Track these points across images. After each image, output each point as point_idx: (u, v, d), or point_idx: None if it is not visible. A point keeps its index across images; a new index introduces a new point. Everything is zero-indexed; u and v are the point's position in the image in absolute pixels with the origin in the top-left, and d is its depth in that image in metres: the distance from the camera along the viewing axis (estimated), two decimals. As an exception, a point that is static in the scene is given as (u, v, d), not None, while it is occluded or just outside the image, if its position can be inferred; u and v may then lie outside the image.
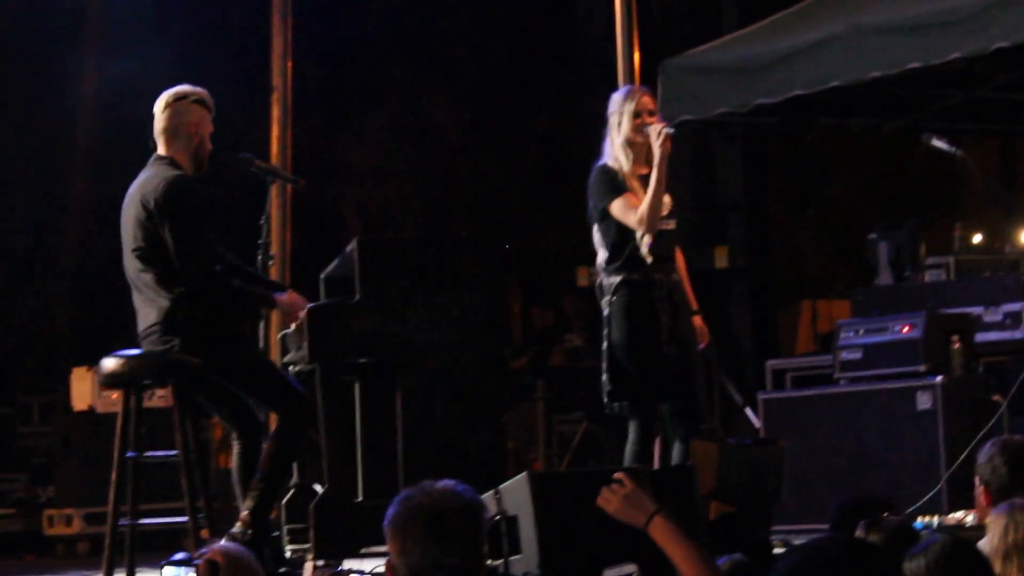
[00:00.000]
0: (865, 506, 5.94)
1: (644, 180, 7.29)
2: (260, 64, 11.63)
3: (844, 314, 11.08)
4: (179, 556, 6.52)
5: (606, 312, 7.34)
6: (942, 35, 8.52)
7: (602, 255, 7.39)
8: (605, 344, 7.33)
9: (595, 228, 7.42)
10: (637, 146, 7.33)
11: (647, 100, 7.42)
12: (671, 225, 7.36)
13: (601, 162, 7.40)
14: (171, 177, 6.92)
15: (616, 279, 7.30)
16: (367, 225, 19.15)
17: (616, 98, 7.45)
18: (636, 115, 7.33)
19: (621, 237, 7.29)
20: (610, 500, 4.39)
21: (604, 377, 7.32)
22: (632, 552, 6.02)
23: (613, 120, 7.39)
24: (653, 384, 7.26)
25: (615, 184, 7.30)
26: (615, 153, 7.36)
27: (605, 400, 7.33)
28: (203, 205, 6.99)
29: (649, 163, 7.29)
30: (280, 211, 10.24)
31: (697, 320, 7.52)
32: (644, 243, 7.27)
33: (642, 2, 10.34)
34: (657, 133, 7.22)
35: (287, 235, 10.51)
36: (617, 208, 7.26)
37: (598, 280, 7.46)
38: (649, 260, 7.29)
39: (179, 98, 7.08)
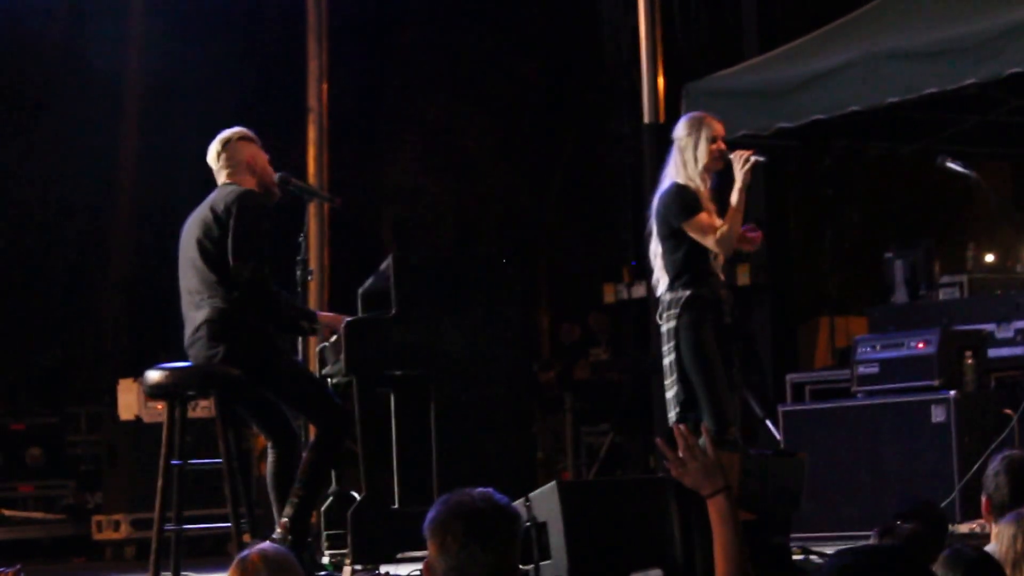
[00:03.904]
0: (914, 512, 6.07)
1: (714, 202, 7.54)
2: (296, 87, 11.86)
3: (861, 330, 11.04)
4: None
5: (670, 325, 7.46)
6: (957, 61, 8.68)
7: (667, 271, 7.54)
8: (672, 358, 7.44)
9: (657, 242, 7.58)
10: (711, 171, 7.58)
11: (720, 127, 7.62)
12: None
13: (674, 181, 7.56)
14: (243, 190, 7.15)
15: (685, 293, 7.45)
16: (402, 242, 19.26)
17: (688, 123, 7.62)
18: (712, 141, 7.55)
19: (694, 253, 7.48)
20: (685, 464, 4.03)
21: (674, 391, 7.43)
22: (658, 557, 6.28)
23: (686, 143, 7.55)
24: (725, 392, 7.42)
25: (695, 203, 7.49)
26: (690, 175, 7.53)
27: (677, 411, 7.42)
28: (267, 224, 7.15)
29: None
30: (318, 228, 10.38)
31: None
32: (718, 262, 7.53)
33: (666, 28, 10.51)
34: (743, 160, 7.48)
35: (325, 251, 10.63)
36: (695, 226, 7.45)
37: (661, 294, 7.57)
38: (722, 277, 7.56)
39: (225, 143, 7.29)
